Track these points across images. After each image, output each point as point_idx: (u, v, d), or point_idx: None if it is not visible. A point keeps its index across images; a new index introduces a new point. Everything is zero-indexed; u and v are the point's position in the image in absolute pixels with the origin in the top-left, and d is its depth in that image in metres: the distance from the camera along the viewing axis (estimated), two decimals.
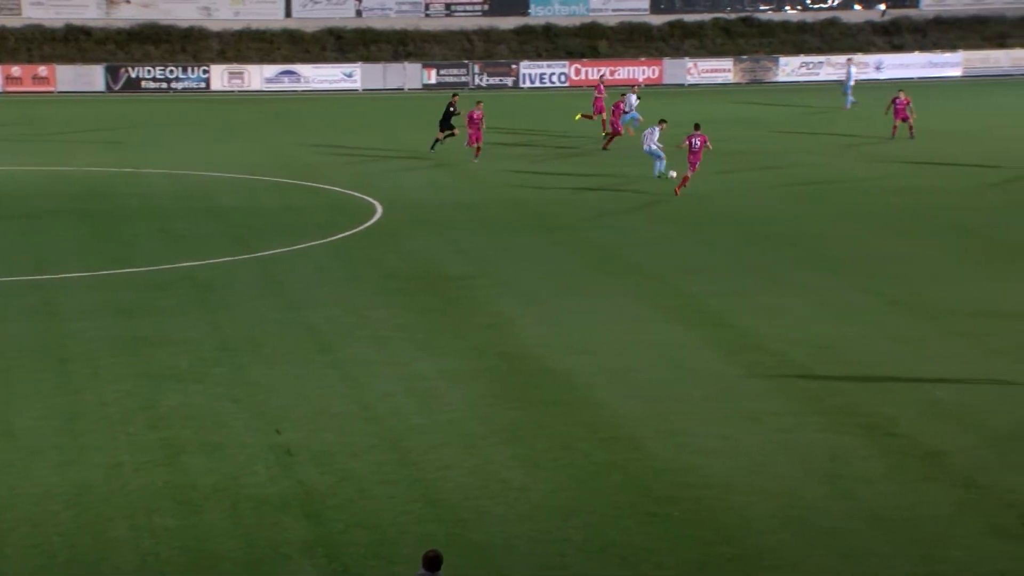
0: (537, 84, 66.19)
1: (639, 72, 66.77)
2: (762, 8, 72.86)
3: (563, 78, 66.47)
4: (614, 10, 71.61)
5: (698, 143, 37.80)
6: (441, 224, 35.00)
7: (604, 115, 48.25)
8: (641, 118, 47.28)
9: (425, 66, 65.89)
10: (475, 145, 43.61)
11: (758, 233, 33.74)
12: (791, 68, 67.99)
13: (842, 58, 66.59)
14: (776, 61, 68.38)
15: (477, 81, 65.70)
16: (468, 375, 22.80)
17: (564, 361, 23.54)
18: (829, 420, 20.65)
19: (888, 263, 30.55)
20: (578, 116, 49.06)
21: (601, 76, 53.94)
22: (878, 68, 67.82)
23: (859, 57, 67.76)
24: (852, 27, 72.06)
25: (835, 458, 19.11)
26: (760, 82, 67.28)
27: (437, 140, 45.02)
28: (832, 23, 72.21)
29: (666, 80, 67.02)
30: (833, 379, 22.58)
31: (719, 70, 67.85)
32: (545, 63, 67.07)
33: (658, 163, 40.40)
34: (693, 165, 37.88)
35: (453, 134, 44.78)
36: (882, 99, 50.69)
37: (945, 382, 22.31)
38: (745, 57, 68.72)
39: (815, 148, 45.55)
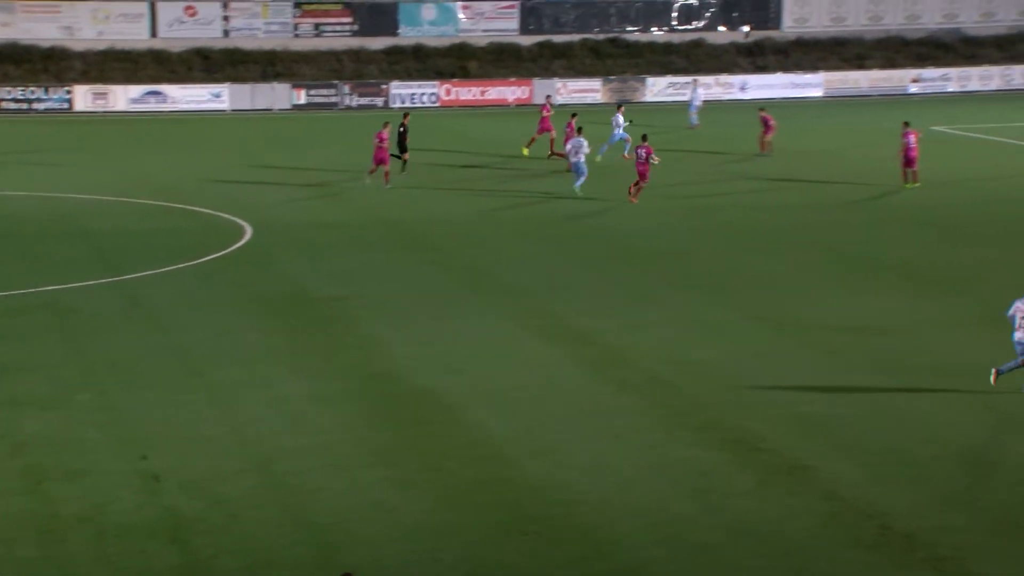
0: (408, 104, 66.17)
1: (509, 92, 67.10)
2: (629, 29, 73.68)
3: (433, 98, 66.53)
4: (484, 31, 71.89)
5: (644, 154, 39.83)
6: (312, 245, 34.81)
7: (552, 134, 48.04)
8: (629, 137, 47.17)
9: (294, 86, 65.47)
10: (382, 168, 41.98)
11: (627, 251, 34.09)
12: (659, 88, 68.82)
13: (709, 78, 67.66)
14: (644, 81, 69.17)
15: (347, 102, 65.48)
16: (339, 397, 22.71)
17: (436, 381, 23.55)
18: (697, 436, 20.92)
19: (752, 280, 31.04)
20: (525, 150, 48.62)
21: (548, 97, 54.02)
22: (742, 88, 68.97)
23: (724, 77, 68.85)
24: (717, 48, 73.21)
25: (704, 473, 19.37)
26: (628, 102, 67.97)
27: (404, 162, 44.23)
28: (698, 44, 73.27)
29: (536, 100, 67.31)
30: (700, 395, 22.88)
31: (588, 90, 68.43)
32: (416, 83, 67.06)
33: (580, 178, 41.20)
34: (643, 175, 39.81)
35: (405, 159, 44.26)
36: (746, 119, 51.48)
37: (809, 397, 22.75)
38: (613, 77, 69.40)
39: (682, 166, 46.17)
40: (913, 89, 70.36)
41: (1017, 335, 22.65)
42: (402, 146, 44.38)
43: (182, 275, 31.30)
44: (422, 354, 25.13)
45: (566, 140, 44.73)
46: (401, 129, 44.50)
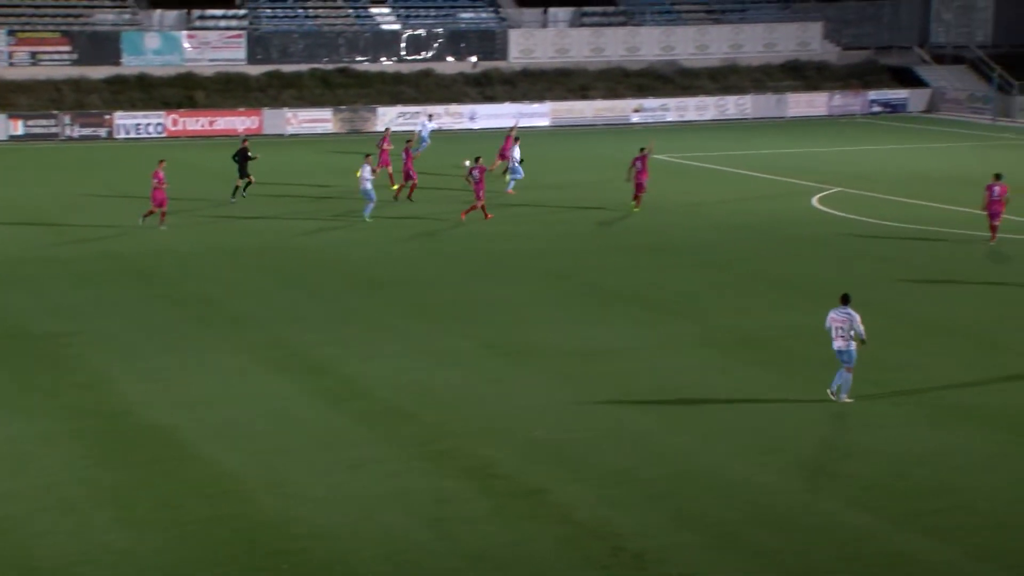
0: (132, 135, 64.72)
1: (239, 122, 66.32)
2: (359, 59, 73.84)
3: (160, 129, 65.25)
4: (210, 60, 70.92)
5: (478, 174, 41.41)
6: (32, 281, 33.67)
7: (389, 168, 47.53)
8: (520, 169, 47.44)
9: (11, 116, 63.30)
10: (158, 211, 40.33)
11: (362, 280, 34.09)
12: (389, 118, 69.12)
13: (439, 108, 68.32)
14: (374, 111, 69.39)
15: (68, 132, 63.64)
16: (65, 436, 22.01)
17: (166, 418, 23.06)
18: (434, 464, 21.05)
19: (487, 308, 31.44)
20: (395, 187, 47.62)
21: (387, 129, 53.51)
22: (472, 118, 69.94)
23: (454, 107, 69.63)
24: (446, 78, 74.01)
25: (440, 501, 19.49)
26: (360, 131, 68.08)
27: (237, 188, 44.49)
28: (427, 74, 73.93)
29: (266, 130, 66.83)
30: (437, 423, 23.03)
31: (319, 120, 68.25)
32: (140, 114, 65.66)
33: (369, 206, 41.67)
34: (478, 195, 41.60)
35: (251, 181, 44.63)
36: (477, 147, 52.04)
37: (543, 422, 23.15)
38: (344, 107, 69.42)
39: (417, 195, 46.38)
40: (635, 119, 72.52)
41: (836, 344, 23.67)
42: (243, 170, 44.78)
43: None
44: (152, 390, 24.58)
45: (407, 166, 45.25)
46: (245, 153, 44.96)
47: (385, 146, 48.58)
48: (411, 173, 45.68)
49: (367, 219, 42.09)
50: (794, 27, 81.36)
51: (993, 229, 38.46)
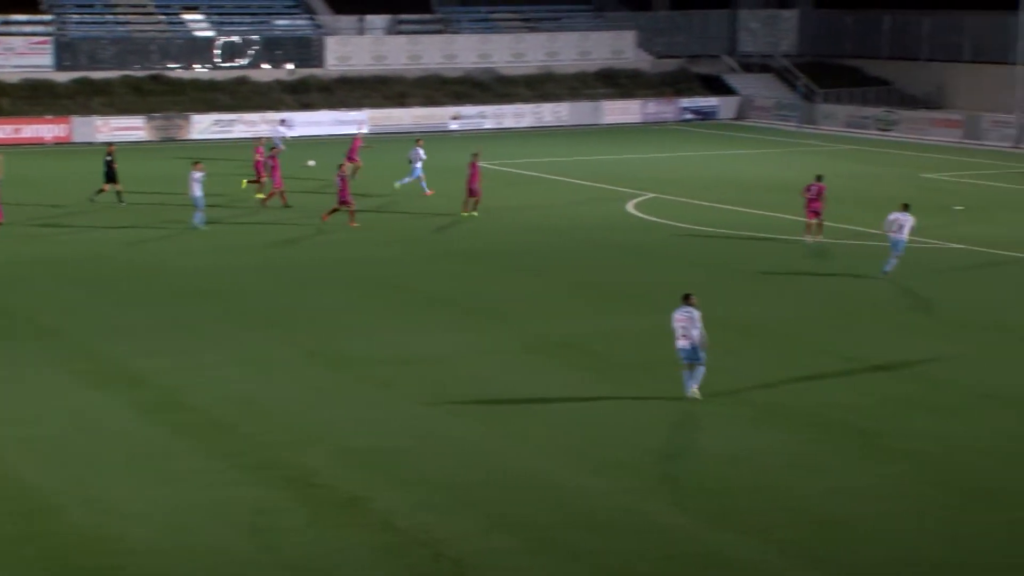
0: None
1: (46, 130, 64.68)
2: (171, 66, 72.65)
3: None
4: (15, 67, 69.07)
5: (339, 182, 41.84)
6: None
7: (263, 177, 46.82)
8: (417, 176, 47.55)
9: None
10: None
11: (181, 290, 33.54)
12: (204, 125, 68.19)
13: (255, 115, 67.60)
14: (188, 119, 68.35)
15: None
16: None
17: None
18: (253, 475, 20.81)
19: (308, 316, 31.20)
20: (244, 183, 47.99)
21: (260, 139, 52.55)
22: (289, 126, 69.36)
23: (270, 115, 68.96)
24: (262, 86, 73.29)
25: (259, 512, 19.27)
26: (174, 139, 67.01)
27: (119, 192, 45.69)
28: (242, 82, 73.10)
29: (76, 138, 65.34)
30: (257, 433, 22.78)
31: (131, 128, 66.98)
32: None
33: (199, 214, 41.15)
34: (342, 199, 41.78)
35: (103, 190, 45.30)
36: (305, 154, 51.61)
37: (363, 430, 23.07)
38: (157, 115, 68.22)
39: (235, 202, 45.81)
40: (454, 126, 72.75)
41: (680, 343, 24.12)
42: (111, 176, 45.63)
43: None
44: None
45: (274, 174, 45.30)
46: (108, 159, 45.70)
47: (259, 156, 48.19)
48: (276, 180, 45.81)
49: (199, 227, 41.44)
50: (608, 36, 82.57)
51: (808, 227, 39.74)
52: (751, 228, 42.89)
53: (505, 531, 18.76)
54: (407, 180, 49.22)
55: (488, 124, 74.06)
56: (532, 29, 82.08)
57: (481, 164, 45.67)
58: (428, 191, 48.56)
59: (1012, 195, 50.82)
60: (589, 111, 76.73)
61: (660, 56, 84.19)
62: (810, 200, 39.61)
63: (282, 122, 60.18)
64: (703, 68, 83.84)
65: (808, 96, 78.10)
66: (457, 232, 42.52)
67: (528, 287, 34.66)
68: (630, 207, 47.37)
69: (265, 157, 46.96)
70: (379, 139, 69.01)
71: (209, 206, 42.73)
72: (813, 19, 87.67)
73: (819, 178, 40.16)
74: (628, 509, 19.58)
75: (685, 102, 79.11)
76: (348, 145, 52.40)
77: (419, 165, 49.04)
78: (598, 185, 52.52)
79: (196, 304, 32.30)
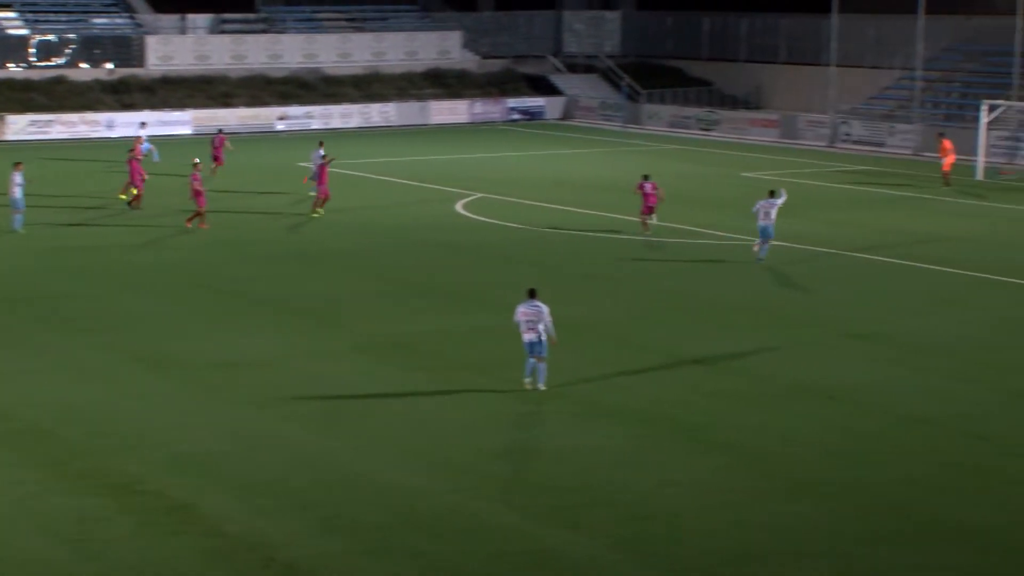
0: None
1: None
2: None
3: None
4: None
5: (195, 184, 41.52)
6: None
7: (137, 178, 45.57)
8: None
9: None
10: None
11: None
12: (19, 126, 66.46)
13: (74, 116, 66.07)
14: (3, 119, 66.50)
15: None
16: None
17: None
18: (75, 483, 20.34)
19: (131, 320, 30.61)
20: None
21: (138, 138, 51.38)
22: (110, 126, 67.99)
23: (90, 115, 67.52)
24: (80, 85, 71.65)
25: (82, 521, 18.85)
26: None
27: None
28: (60, 81, 71.39)
29: None
30: (79, 441, 22.27)
31: None
32: None
33: (18, 216, 40.43)
34: (200, 199, 41.63)
35: None
36: (114, 156, 50.49)
37: (189, 435, 22.71)
38: None
39: (61, 203, 44.71)
40: (280, 126, 72.06)
41: (526, 337, 24.54)
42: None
43: None
44: None
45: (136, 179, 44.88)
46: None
47: (137, 156, 47.46)
48: (137, 182, 45.34)
49: (18, 230, 40.36)
50: (434, 36, 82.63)
51: (644, 224, 40.95)
52: (579, 227, 43.32)
53: (337, 533, 18.66)
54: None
55: (315, 124, 73.50)
56: (358, 29, 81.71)
57: (300, 166, 45.40)
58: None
59: (828, 193, 52.25)
60: (417, 111, 76.69)
61: (486, 56, 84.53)
62: (646, 196, 40.68)
63: (142, 124, 58.91)
64: (529, 68, 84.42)
65: (632, 96, 79.23)
66: (286, 234, 42.12)
67: (357, 288, 34.51)
68: (459, 207, 47.47)
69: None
70: (205, 140, 68.03)
71: (37, 207, 41.73)
72: (636, 21, 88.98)
73: (646, 177, 41.09)
74: (459, 508, 19.64)
75: (512, 102, 79.55)
76: (208, 144, 52.02)
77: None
78: (427, 185, 52.53)
79: (14, 311, 31.43)
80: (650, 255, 39.23)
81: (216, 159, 52.18)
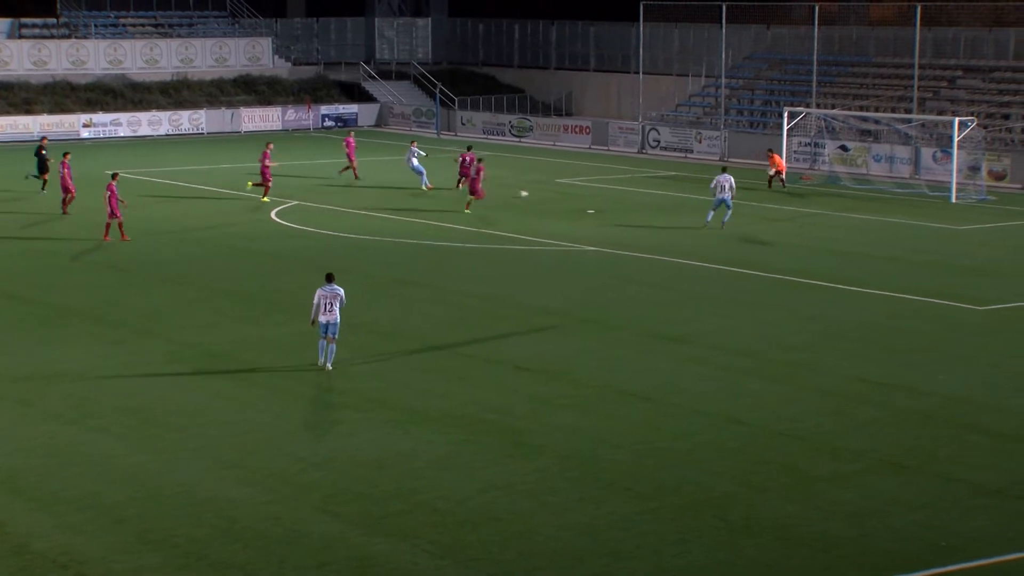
0: None
1: None
2: None
3: None
4: None
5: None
6: None
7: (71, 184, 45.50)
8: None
9: None
10: None
11: None
12: None
13: None
14: None
15: None
16: None
17: None
18: None
19: None
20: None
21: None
22: None
23: None
24: None
25: None
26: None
27: (44, 182, 49.43)
28: None
29: None
30: None
31: None
32: None
33: None
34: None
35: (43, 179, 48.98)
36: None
37: (0, 450, 22.13)
38: None
39: None
40: (86, 134, 70.49)
41: (323, 318, 26.24)
42: (43, 167, 49.62)
43: None
44: None
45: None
46: (43, 152, 49.71)
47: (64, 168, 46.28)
48: (69, 186, 45.56)
49: None
50: (244, 42, 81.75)
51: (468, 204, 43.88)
52: (394, 234, 43.29)
53: (152, 548, 18.34)
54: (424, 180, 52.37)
55: (123, 132, 72.08)
56: (165, 35, 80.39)
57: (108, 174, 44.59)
58: (429, 185, 52.34)
59: (638, 198, 53.14)
60: (228, 119, 75.73)
61: (298, 63, 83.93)
62: (464, 169, 45.60)
63: (85, 125, 58.62)
64: (342, 75, 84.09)
65: (446, 103, 79.48)
66: (101, 244, 41.19)
67: (172, 298, 33.95)
68: (273, 215, 47.04)
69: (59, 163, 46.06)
70: (6, 148, 66.12)
71: None
72: (447, 28, 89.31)
73: (469, 148, 46.18)
74: (278, 518, 19.47)
75: (325, 109, 79.11)
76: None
77: (415, 162, 52.51)
78: (241, 194, 51.90)
79: None
80: (464, 260, 39.39)
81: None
